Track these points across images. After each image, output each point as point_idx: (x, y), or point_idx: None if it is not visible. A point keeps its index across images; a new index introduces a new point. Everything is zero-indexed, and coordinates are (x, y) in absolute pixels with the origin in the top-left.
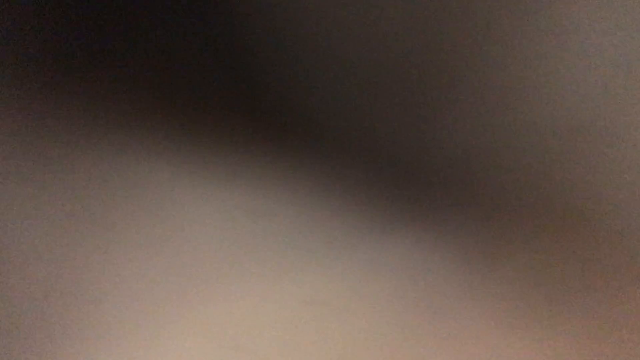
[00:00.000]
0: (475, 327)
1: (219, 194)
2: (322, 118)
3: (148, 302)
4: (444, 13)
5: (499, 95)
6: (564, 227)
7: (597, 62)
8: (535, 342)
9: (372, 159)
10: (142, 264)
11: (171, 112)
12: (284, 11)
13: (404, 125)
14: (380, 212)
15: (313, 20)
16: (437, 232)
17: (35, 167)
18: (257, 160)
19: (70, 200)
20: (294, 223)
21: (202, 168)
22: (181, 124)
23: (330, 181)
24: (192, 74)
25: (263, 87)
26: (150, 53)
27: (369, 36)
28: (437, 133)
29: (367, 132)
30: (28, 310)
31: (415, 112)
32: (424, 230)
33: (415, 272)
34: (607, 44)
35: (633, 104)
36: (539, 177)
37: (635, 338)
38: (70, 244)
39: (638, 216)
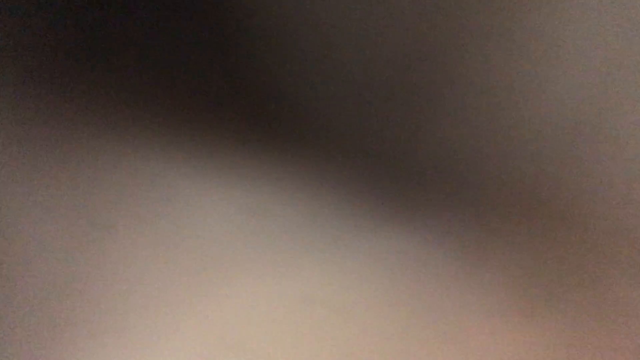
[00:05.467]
0: (473, 321)
1: (218, 194)
2: (321, 118)
3: (148, 300)
4: (441, 12)
5: (496, 93)
6: (557, 222)
7: (594, 61)
8: (529, 334)
9: (369, 158)
10: (143, 262)
11: (172, 112)
12: (284, 12)
13: (401, 124)
14: (378, 211)
15: (312, 22)
16: (433, 229)
17: (37, 166)
18: (255, 160)
19: (71, 199)
20: (292, 222)
21: (202, 168)
22: (182, 124)
23: (328, 180)
24: (192, 74)
25: (263, 87)
26: (152, 53)
27: (366, 37)
28: (433, 131)
29: (365, 132)
30: (31, 310)
31: (413, 111)
32: (420, 227)
33: (412, 269)
34: (605, 43)
35: (629, 103)
36: (534, 174)
37: (625, 330)
38: (71, 243)
39: (631, 213)
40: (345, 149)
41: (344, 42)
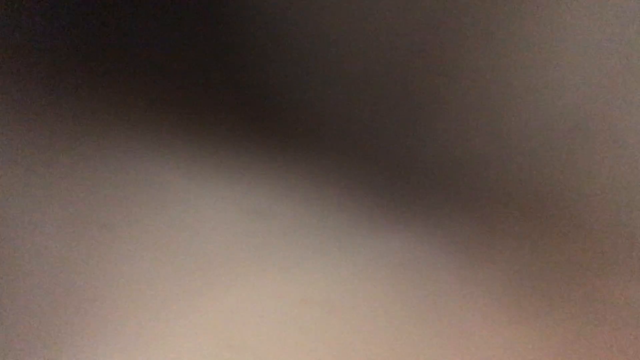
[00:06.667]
0: (473, 320)
1: (218, 194)
2: (321, 119)
3: (148, 300)
4: (441, 12)
5: (496, 94)
6: (557, 222)
7: (594, 62)
8: (529, 333)
9: (370, 159)
10: (143, 263)
11: (173, 112)
12: (283, 13)
13: (401, 124)
14: (377, 211)
15: (312, 23)
16: (433, 229)
17: (38, 166)
18: (255, 161)
19: (72, 199)
20: (292, 222)
21: (202, 168)
22: (183, 124)
23: (329, 181)
24: (193, 74)
25: (263, 87)
26: (152, 53)
27: (366, 38)
28: (433, 131)
29: (365, 133)
30: (29, 310)
31: (413, 111)
32: (420, 229)
33: (412, 269)
34: (605, 43)
35: (629, 103)
36: (534, 174)
37: (625, 329)
38: (72, 243)
39: (631, 213)
40: (345, 150)
41: (344, 42)
